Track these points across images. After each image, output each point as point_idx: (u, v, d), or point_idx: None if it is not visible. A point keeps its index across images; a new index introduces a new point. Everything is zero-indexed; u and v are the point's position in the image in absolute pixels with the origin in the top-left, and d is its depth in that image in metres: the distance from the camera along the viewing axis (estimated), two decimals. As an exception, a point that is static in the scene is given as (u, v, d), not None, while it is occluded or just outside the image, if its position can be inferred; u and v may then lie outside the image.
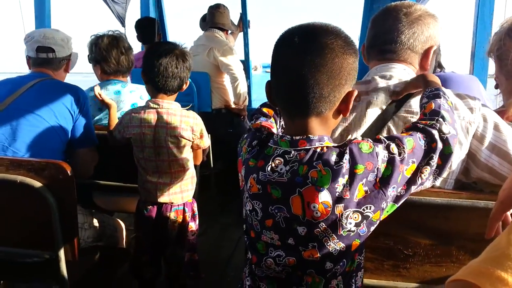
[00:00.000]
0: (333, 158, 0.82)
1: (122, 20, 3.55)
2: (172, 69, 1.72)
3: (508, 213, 0.92)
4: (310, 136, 0.85)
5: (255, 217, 0.91)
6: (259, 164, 0.89)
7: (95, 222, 1.86)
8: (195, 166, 1.93)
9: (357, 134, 1.10)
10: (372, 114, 1.11)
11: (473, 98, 1.11)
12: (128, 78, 2.63)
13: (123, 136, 1.81)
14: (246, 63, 4.50)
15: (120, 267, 1.93)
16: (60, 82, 1.91)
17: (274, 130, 1.03)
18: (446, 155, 0.89)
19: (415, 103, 1.10)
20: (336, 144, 0.85)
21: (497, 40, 1.25)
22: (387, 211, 0.88)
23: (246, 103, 3.58)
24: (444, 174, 1.05)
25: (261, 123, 1.02)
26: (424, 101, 1.01)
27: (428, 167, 0.88)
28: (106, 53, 2.19)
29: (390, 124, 1.09)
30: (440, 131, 0.90)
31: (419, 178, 0.88)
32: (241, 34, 4.38)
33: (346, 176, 0.81)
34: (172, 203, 1.82)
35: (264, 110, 1.09)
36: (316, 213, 0.82)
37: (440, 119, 0.92)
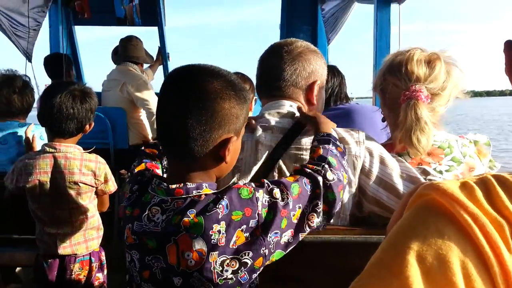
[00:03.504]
0: (209, 205, 0.80)
1: (28, 56, 3.32)
2: (68, 111, 1.61)
3: None
4: (188, 184, 0.83)
5: (134, 268, 0.87)
6: (135, 213, 0.86)
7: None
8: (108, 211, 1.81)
9: (250, 174, 1.09)
10: (262, 153, 1.10)
11: (356, 132, 1.15)
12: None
13: (16, 185, 1.65)
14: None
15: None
16: None
17: (159, 171, 1.01)
18: (330, 201, 0.91)
19: (305, 140, 1.11)
20: (216, 191, 0.84)
21: (379, 76, 1.31)
22: (275, 259, 0.86)
23: (166, 137, 3.48)
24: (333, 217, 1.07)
25: (145, 164, 1.00)
26: (314, 145, 1.02)
27: (315, 214, 0.88)
28: None
29: (280, 162, 1.09)
30: (324, 177, 0.91)
31: (307, 226, 0.88)
32: (161, 67, 4.32)
33: (223, 223, 0.79)
34: (76, 254, 1.67)
35: (148, 151, 1.07)
36: (191, 262, 0.79)
37: (326, 166, 0.93)
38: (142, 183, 0.90)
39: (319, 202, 0.89)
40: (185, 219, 0.79)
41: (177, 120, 0.83)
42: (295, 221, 0.86)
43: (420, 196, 0.45)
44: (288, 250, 0.88)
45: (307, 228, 0.88)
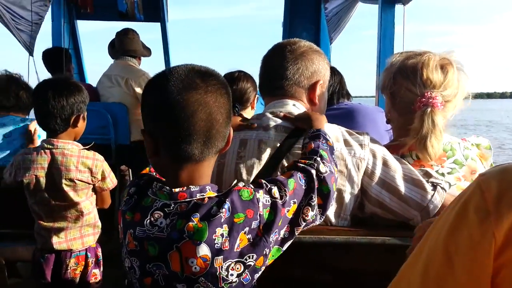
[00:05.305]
0: (212, 209, 0.79)
1: (30, 49, 3.30)
2: (48, 108, 1.60)
3: None
4: (191, 187, 0.81)
5: (134, 275, 0.85)
6: (136, 218, 0.83)
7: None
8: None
9: (252, 173, 1.08)
10: (266, 152, 1.09)
11: (361, 134, 1.14)
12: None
13: (15, 179, 1.64)
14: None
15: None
16: None
17: None
18: (325, 194, 0.90)
19: None
20: (218, 194, 0.82)
21: (388, 78, 1.28)
22: (273, 256, 0.86)
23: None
24: (330, 212, 1.06)
25: (150, 168, 0.98)
26: (306, 141, 1.03)
27: (309, 207, 0.88)
28: (4, 86, 2.09)
29: (284, 162, 1.08)
30: (317, 171, 0.91)
31: (302, 220, 0.87)
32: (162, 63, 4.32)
33: (225, 226, 0.78)
34: (71, 249, 1.66)
35: None
36: (195, 268, 0.77)
37: (318, 159, 0.93)
38: (139, 186, 0.88)
39: (313, 196, 0.89)
40: (190, 223, 0.77)
41: (215, 118, 0.82)
42: (290, 216, 0.86)
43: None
44: (285, 246, 0.88)
45: (302, 222, 0.88)
